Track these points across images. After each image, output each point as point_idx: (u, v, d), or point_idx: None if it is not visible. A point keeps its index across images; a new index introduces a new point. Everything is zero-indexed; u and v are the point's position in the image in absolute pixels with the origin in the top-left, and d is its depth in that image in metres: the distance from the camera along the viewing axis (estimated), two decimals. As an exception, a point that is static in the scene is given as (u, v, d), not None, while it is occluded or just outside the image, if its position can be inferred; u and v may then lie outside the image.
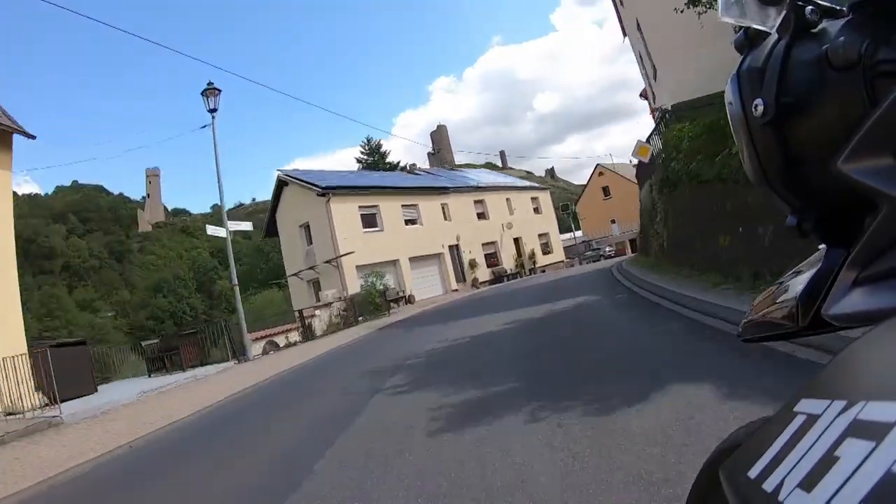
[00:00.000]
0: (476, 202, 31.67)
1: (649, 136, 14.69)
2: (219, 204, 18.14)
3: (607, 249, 43.49)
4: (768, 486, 0.37)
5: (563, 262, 36.87)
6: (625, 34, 22.27)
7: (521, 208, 34.43)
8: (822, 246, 0.57)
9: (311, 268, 26.88)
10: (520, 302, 11.95)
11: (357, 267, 24.33)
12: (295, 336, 19.67)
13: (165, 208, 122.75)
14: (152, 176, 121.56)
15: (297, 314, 18.87)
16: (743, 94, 0.55)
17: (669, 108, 11.90)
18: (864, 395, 0.34)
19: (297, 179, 27.23)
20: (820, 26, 0.51)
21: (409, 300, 25.77)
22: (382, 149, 61.91)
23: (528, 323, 8.13)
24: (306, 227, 27.59)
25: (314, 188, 25.49)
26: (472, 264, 29.09)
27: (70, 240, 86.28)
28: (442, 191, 29.81)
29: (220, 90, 16.75)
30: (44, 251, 78.60)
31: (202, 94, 16.56)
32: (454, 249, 29.11)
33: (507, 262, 31.85)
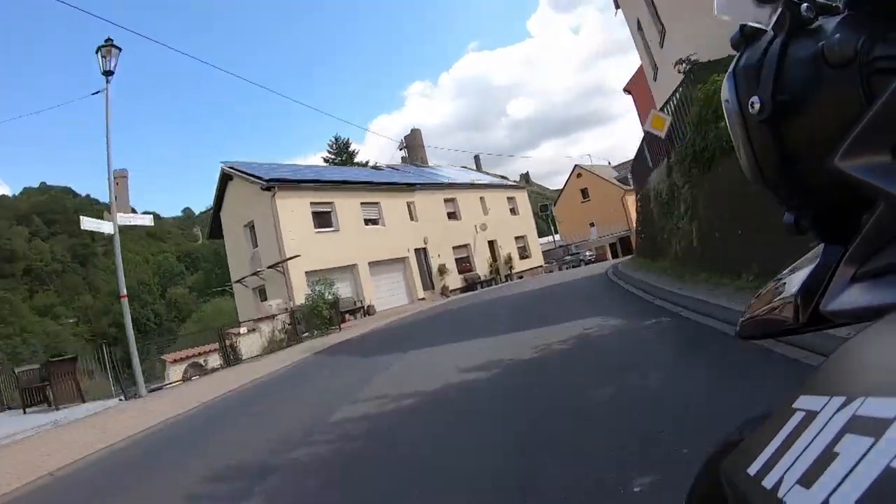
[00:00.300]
0: (446, 201, 28.39)
1: (663, 107, 11.65)
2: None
3: (587, 254, 40.76)
4: (768, 482, 0.37)
5: (542, 267, 33.88)
6: (617, 6, 19.41)
7: (496, 208, 31.28)
8: (813, 243, 0.58)
9: (255, 273, 23.25)
10: (499, 321, 8.71)
11: (307, 273, 20.79)
12: (219, 359, 16.00)
13: (134, 211, 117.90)
14: (120, 177, 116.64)
15: (219, 333, 15.12)
16: (739, 91, 0.55)
17: (696, 60, 8.82)
18: (862, 391, 0.34)
19: (241, 172, 23.44)
20: (816, 23, 0.51)
21: (369, 311, 22.32)
22: (351, 148, 58.50)
23: (513, 370, 4.86)
24: (251, 226, 23.94)
25: (258, 181, 21.84)
26: (442, 270, 25.80)
27: (33, 242, 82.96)
28: (408, 188, 26.44)
29: (120, 49, 13.18)
30: (4, 254, 75.95)
31: (97, 51, 12.92)
32: (421, 253, 25.76)
33: (481, 267, 28.64)
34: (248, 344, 16.56)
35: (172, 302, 62.83)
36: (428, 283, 25.69)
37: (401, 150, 34.65)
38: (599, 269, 19.49)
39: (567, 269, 35.28)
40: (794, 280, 0.60)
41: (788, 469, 0.36)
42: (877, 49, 0.45)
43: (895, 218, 0.43)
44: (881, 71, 0.44)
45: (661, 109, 10.81)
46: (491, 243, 29.91)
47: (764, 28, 0.54)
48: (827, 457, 0.32)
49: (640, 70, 31.92)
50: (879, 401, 0.31)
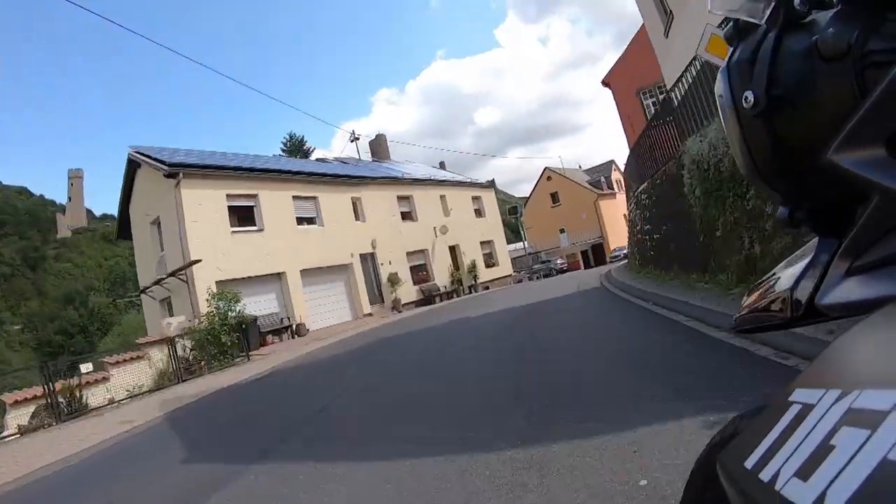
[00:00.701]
0: (401, 198, 24.15)
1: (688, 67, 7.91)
2: None
3: (559, 262, 37.36)
4: (765, 475, 0.37)
5: (510, 276, 30.04)
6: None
7: (459, 208, 27.22)
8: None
9: (158, 282, 18.61)
10: (467, 385, 4.65)
11: (219, 283, 16.24)
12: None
13: (91, 212, 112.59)
14: (75, 178, 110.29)
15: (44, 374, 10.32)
16: (733, 85, 0.55)
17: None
18: (858, 383, 0.34)
19: (147, 157, 18.61)
20: (809, 17, 0.51)
21: (298, 331, 17.91)
22: (306, 146, 53.82)
23: None
24: (158, 224, 19.25)
25: (162, 167, 17.19)
26: (393, 280, 21.55)
27: (-22, 245, 78.39)
28: (353, 181, 22.13)
29: None
30: (-51, 257, 71.22)
31: None
32: (368, 259, 21.49)
33: (441, 276, 24.51)
34: (124, 378, 11.97)
35: (95, 312, 55.98)
36: (376, 296, 21.40)
37: (352, 142, 30.32)
38: (585, 279, 15.77)
39: (537, 279, 31.63)
40: (789, 274, 0.60)
41: (786, 462, 0.35)
42: (870, 42, 0.45)
43: (889, 211, 0.43)
44: (875, 64, 0.44)
45: (685, 72, 7.17)
46: (453, 249, 25.84)
47: (758, 23, 0.54)
48: (824, 449, 0.33)
49: (621, 61, 28.86)
50: (875, 393, 0.31)
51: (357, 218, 21.61)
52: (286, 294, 18.53)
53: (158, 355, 13.20)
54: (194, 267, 16.18)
